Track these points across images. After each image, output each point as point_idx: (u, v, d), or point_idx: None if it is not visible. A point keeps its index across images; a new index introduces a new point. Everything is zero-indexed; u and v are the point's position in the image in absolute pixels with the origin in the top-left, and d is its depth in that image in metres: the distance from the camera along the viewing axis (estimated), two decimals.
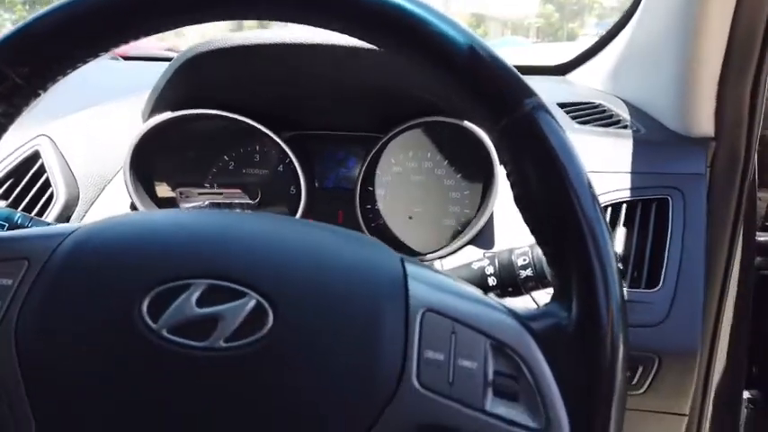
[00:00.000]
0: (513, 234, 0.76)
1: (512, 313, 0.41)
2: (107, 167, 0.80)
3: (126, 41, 0.43)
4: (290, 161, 0.87)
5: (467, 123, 0.80)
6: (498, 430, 0.37)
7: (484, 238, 0.76)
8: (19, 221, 0.64)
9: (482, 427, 0.37)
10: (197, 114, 0.84)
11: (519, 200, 0.42)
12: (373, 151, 0.85)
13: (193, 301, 0.39)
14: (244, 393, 0.37)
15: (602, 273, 0.38)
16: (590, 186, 0.40)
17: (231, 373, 0.37)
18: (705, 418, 0.81)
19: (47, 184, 0.76)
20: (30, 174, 0.77)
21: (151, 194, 0.87)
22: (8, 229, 0.63)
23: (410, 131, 0.86)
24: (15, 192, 0.75)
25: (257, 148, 0.91)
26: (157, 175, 0.88)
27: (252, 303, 0.39)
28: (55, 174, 0.77)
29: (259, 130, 0.85)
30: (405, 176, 0.89)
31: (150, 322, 0.38)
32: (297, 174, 0.87)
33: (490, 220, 0.77)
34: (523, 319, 0.41)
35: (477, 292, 0.43)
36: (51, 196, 0.76)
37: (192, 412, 0.37)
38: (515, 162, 0.41)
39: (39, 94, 0.45)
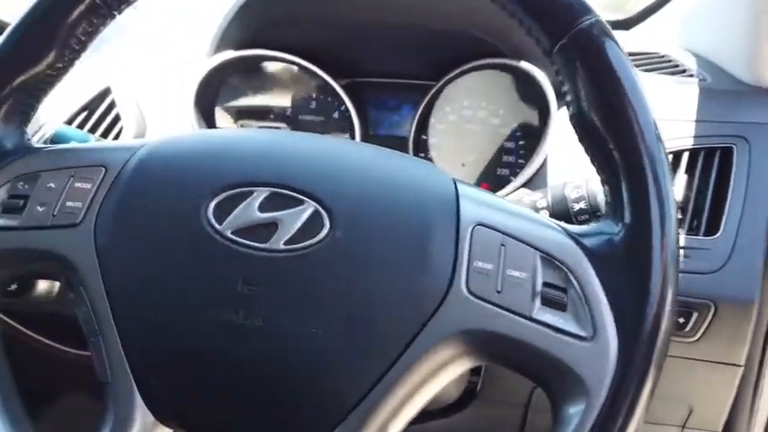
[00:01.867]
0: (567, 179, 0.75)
1: (563, 229, 0.42)
2: (174, 103, 0.83)
3: None
4: (346, 108, 0.88)
5: (524, 64, 0.79)
6: (545, 336, 0.38)
7: (535, 184, 0.76)
8: None
9: (528, 333, 0.38)
10: (259, 55, 0.85)
11: (573, 117, 0.42)
12: (427, 97, 0.85)
13: (256, 206, 0.41)
14: (298, 292, 0.40)
15: (656, 190, 0.38)
16: (647, 103, 0.40)
17: (288, 273, 0.40)
18: (764, 375, 0.79)
19: (117, 119, 0.80)
20: (101, 108, 0.81)
21: None
22: None
23: (466, 79, 0.85)
24: (88, 125, 0.79)
25: (314, 95, 0.92)
26: (220, 113, 0.90)
27: (310, 211, 0.41)
28: (124, 108, 0.81)
29: (317, 75, 0.86)
30: (459, 125, 0.88)
31: (215, 223, 0.41)
32: (352, 121, 0.88)
33: (543, 166, 0.76)
34: (575, 235, 0.41)
35: (529, 212, 0.44)
36: (121, 130, 0.80)
37: (249, 305, 0.39)
38: (571, 79, 0.41)
39: (114, 16, 0.48)
